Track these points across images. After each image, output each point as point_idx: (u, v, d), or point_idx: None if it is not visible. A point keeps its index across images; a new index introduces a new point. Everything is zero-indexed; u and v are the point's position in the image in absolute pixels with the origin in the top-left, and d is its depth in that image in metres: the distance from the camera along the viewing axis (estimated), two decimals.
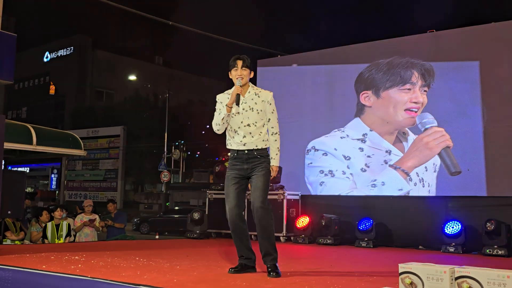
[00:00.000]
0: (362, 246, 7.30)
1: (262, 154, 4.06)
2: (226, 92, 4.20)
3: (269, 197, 4.13)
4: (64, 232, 8.04)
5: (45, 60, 39.79)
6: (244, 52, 4.29)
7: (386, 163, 7.90)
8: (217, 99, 4.19)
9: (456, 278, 2.87)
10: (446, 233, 6.84)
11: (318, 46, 9.44)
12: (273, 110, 4.13)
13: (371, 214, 7.60)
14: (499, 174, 7.20)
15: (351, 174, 8.15)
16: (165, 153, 25.46)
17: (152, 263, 4.49)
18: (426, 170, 7.63)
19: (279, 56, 9.98)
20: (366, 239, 7.35)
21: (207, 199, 8.87)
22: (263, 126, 4.10)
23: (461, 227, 6.79)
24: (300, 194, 8.47)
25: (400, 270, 3.03)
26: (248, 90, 4.12)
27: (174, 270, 4.14)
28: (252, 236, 4.44)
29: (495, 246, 6.44)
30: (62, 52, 38.82)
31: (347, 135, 8.34)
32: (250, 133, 4.05)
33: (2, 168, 5.27)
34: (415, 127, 7.80)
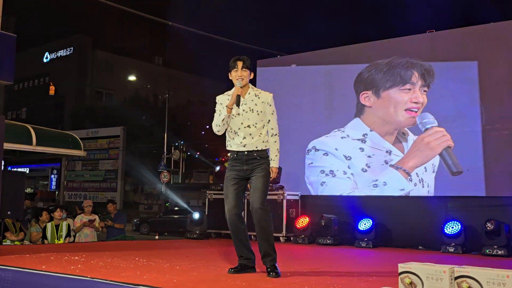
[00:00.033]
0: (362, 246, 7.30)
1: (262, 156, 4.06)
2: (226, 93, 4.20)
3: (269, 197, 4.14)
4: (64, 233, 8.04)
5: (44, 60, 39.78)
6: (244, 52, 4.30)
7: (387, 163, 7.91)
8: (216, 100, 4.19)
9: (456, 278, 2.87)
10: (445, 233, 6.85)
11: (318, 46, 9.46)
12: (273, 111, 4.14)
13: (371, 214, 7.60)
14: (498, 174, 7.21)
15: (352, 174, 8.16)
16: (165, 154, 25.46)
17: (151, 264, 4.50)
18: (426, 171, 7.64)
19: (278, 56, 9.98)
20: (365, 239, 7.35)
21: (206, 200, 8.87)
22: (263, 127, 4.10)
23: (460, 227, 6.79)
24: (299, 195, 8.47)
25: (400, 270, 3.03)
26: (248, 91, 4.12)
27: (173, 270, 4.14)
28: (252, 236, 4.45)
29: (495, 246, 6.44)
30: (61, 53, 38.82)
31: (347, 135, 8.35)
32: (250, 134, 4.05)
33: (2, 168, 5.27)
34: (415, 128, 7.81)
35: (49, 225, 7.97)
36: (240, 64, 4.07)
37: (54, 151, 11.15)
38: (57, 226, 8.00)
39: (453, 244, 6.75)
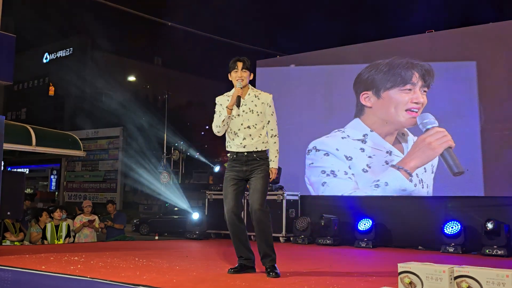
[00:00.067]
0: (362, 247, 7.30)
1: (262, 157, 4.06)
2: (225, 94, 4.20)
3: (268, 197, 4.14)
4: (64, 233, 8.04)
5: (44, 61, 39.76)
6: (243, 52, 4.30)
7: (387, 163, 7.91)
8: (216, 101, 4.19)
9: (455, 278, 2.87)
10: (445, 233, 6.85)
11: (317, 46, 9.46)
12: (273, 112, 4.14)
13: (371, 214, 7.61)
14: (496, 174, 7.22)
15: (352, 174, 8.16)
16: (165, 154, 25.45)
17: (151, 264, 4.50)
18: (425, 171, 7.65)
19: (278, 56, 9.98)
20: (365, 239, 7.35)
21: (206, 200, 8.87)
22: (263, 128, 4.10)
23: (460, 227, 6.79)
24: (299, 195, 8.48)
25: (399, 270, 3.03)
26: (248, 92, 4.12)
27: (173, 270, 4.14)
28: (252, 236, 4.44)
29: (495, 246, 6.44)
30: (61, 53, 38.80)
31: (348, 136, 8.35)
32: (250, 135, 4.05)
33: (2, 169, 5.27)
34: (414, 128, 7.82)
35: (48, 226, 7.97)
36: (240, 65, 4.06)
37: (54, 151, 11.15)
38: (56, 227, 8.00)
39: (453, 244, 6.76)
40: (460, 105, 7.59)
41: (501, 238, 6.46)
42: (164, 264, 4.49)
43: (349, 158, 8.20)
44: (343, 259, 6.02)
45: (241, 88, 4.03)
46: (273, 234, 4.09)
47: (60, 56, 39.21)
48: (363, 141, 8.16)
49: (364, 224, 7.46)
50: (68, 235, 8.11)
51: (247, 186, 4.10)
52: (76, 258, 4.74)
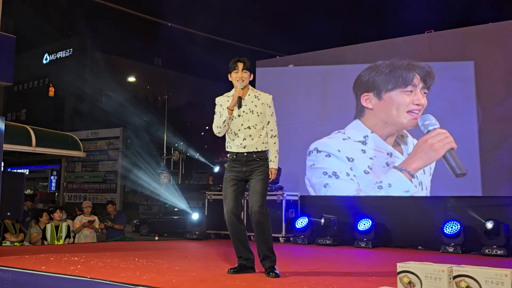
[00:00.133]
0: (361, 247, 7.30)
1: (261, 157, 4.06)
2: (225, 94, 4.20)
3: (268, 197, 4.14)
4: (64, 234, 8.05)
5: (44, 62, 39.78)
6: (243, 53, 4.30)
7: (388, 165, 7.92)
8: (216, 102, 4.20)
9: (454, 277, 2.88)
10: (445, 233, 6.86)
11: (317, 47, 9.47)
12: (272, 112, 4.14)
13: (370, 214, 7.61)
14: (494, 174, 7.22)
15: (354, 175, 8.17)
16: (165, 155, 25.46)
17: (151, 264, 4.50)
18: (424, 173, 7.67)
19: (278, 57, 9.99)
20: (365, 239, 7.36)
21: (206, 200, 8.88)
22: (263, 129, 4.11)
23: (460, 227, 6.80)
24: (299, 195, 8.48)
25: (398, 269, 3.04)
26: (248, 92, 4.12)
27: (173, 270, 4.15)
28: (251, 237, 4.43)
29: (494, 246, 6.45)
30: (61, 54, 38.81)
31: (349, 137, 8.36)
32: (250, 135, 4.05)
33: (2, 169, 5.28)
34: (414, 130, 7.83)
35: (48, 226, 7.98)
36: (240, 65, 4.07)
37: (54, 152, 11.16)
38: (56, 227, 8.00)
39: (452, 244, 6.76)
40: (458, 105, 7.60)
41: (501, 238, 6.47)
42: (164, 265, 4.49)
43: (351, 160, 8.20)
44: (343, 259, 6.02)
45: (241, 88, 4.03)
46: (273, 234, 4.09)
47: (60, 56, 39.22)
48: (364, 143, 8.16)
49: (364, 224, 7.46)
50: (68, 235, 8.11)
51: (247, 186, 4.11)
52: (76, 258, 4.75)
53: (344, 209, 8.02)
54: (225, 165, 4.32)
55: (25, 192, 8.70)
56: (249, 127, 4.05)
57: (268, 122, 4.11)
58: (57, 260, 4.58)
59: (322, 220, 7.63)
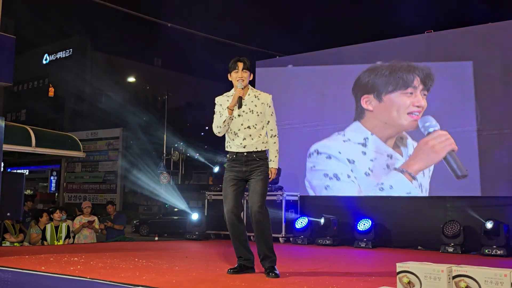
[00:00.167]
0: (361, 247, 7.31)
1: (261, 157, 4.07)
2: (225, 94, 4.21)
3: (268, 198, 4.14)
4: (63, 234, 8.05)
5: (44, 62, 39.78)
6: (243, 53, 4.30)
7: (388, 167, 7.92)
8: (216, 102, 4.20)
9: (454, 277, 2.88)
10: (445, 233, 6.86)
11: (317, 47, 9.46)
12: (272, 112, 4.15)
13: (370, 214, 7.62)
14: (493, 174, 7.23)
15: (355, 177, 8.17)
16: (164, 155, 25.46)
17: (151, 264, 4.50)
18: (424, 176, 7.67)
19: (277, 57, 9.99)
20: (365, 239, 7.36)
21: (206, 201, 8.88)
22: (263, 129, 4.11)
23: (459, 227, 6.80)
24: (299, 195, 8.48)
25: (398, 270, 3.04)
26: (248, 92, 4.13)
27: (173, 271, 4.15)
28: (251, 237, 4.44)
29: (494, 246, 6.45)
30: (61, 54, 38.82)
31: (349, 139, 8.36)
32: (250, 135, 4.06)
33: (1, 170, 5.28)
34: (413, 132, 7.84)
35: (48, 227, 7.98)
36: (240, 65, 4.07)
37: (54, 152, 11.16)
38: (56, 228, 8.00)
39: (452, 244, 6.77)
40: (456, 104, 7.61)
41: (501, 238, 6.47)
42: (164, 265, 4.49)
43: (352, 162, 8.21)
44: (343, 259, 6.03)
45: (242, 88, 4.04)
46: (273, 235, 4.09)
47: (60, 57, 39.22)
48: (364, 145, 8.17)
49: (364, 224, 7.47)
50: (67, 236, 8.11)
51: (247, 186, 4.11)
52: (75, 259, 4.75)
53: (344, 209, 8.02)
54: (225, 165, 4.32)
55: (25, 192, 8.69)
56: (249, 127, 4.06)
57: (268, 121, 4.12)
58: (57, 261, 4.58)
59: (322, 220, 7.64)
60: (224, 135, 4.17)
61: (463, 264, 3.05)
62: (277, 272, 3.86)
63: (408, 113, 7.90)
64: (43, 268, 4.01)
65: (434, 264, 2.99)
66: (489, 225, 6.51)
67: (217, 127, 4.10)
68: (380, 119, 8.16)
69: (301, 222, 7.96)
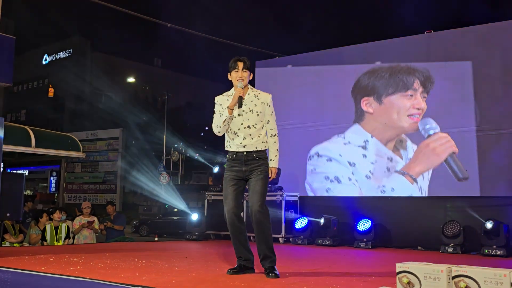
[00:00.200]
0: (361, 247, 7.31)
1: (261, 156, 4.07)
2: (225, 94, 4.21)
3: (268, 198, 4.14)
4: (63, 235, 8.04)
5: (43, 62, 39.79)
6: (242, 53, 4.30)
7: (389, 170, 7.92)
8: (215, 101, 4.20)
9: (453, 277, 2.88)
10: (445, 233, 6.86)
11: (317, 47, 9.46)
12: (272, 112, 4.15)
13: (370, 215, 7.62)
14: (492, 174, 7.23)
15: (356, 180, 8.17)
16: (164, 155, 25.47)
17: (150, 264, 4.50)
18: (423, 179, 7.68)
19: (277, 57, 9.99)
20: (365, 240, 7.36)
21: (205, 201, 8.88)
22: (262, 128, 4.11)
23: (459, 227, 6.80)
24: (299, 195, 8.48)
25: (398, 270, 3.04)
26: (248, 92, 4.13)
27: (172, 271, 4.15)
28: (251, 237, 4.45)
29: (494, 246, 6.45)
30: (60, 55, 38.83)
31: (349, 142, 8.36)
32: (250, 135, 4.06)
33: (1, 170, 5.28)
34: (413, 135, 7.84)
35: (48, 227, 7.97)
36: (241, 65, 4.07)
37: (53, 152, 11.17)
38: (56, 228, 8.00)
39: (452, 244, 6.77)
40: (456, 104, 7.62)
41: (500, 238, 6.47)
42: (164, 265, 4.49)
43: (352, 164, 8.21)
44: (343, 259, 6.02)
45: (242, 88, 4.04)
46: (273, 235, 4.09)
47: (59, 57, 39.23)
48: (364, 147, 8.17)
49: (364, 225, 7.47)
50: (67, 236, 8.11)
51: (246, 186, 4.11)
52: (75, 259, 4.75)
53: (344, 210, 8.02)
54: (225, 165, 4.32)
55: (24, 193, 8.69)
56: (248, 127, 4.06)
57: (268, 121, 4.12)
58: (56, 261, 4.58)
59: (322, 221, 7.64)
60: (224, 135, 4.17)
61: (463, 264, 3.05)
62: (277, 272, 3.86)
63: (409, 115, 7.90)
64: (43, 268, 4.01)
65: (434, 264, 2.99)
66: (489, 225, 6.51)
67: (217, 126, 4.10)
68: (380, 121, 8.16)
69: (301, 223, 7.96)
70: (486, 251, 6.47)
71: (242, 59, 4.10)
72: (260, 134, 4.09)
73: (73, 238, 8.33)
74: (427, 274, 2.92)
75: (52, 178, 31.08)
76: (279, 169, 7.84)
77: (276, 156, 4.12)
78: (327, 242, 7.54)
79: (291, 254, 6.33)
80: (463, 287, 2.82)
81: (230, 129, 4.10)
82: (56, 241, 7.93)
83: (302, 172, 8.74)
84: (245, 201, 6.58)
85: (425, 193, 7.66)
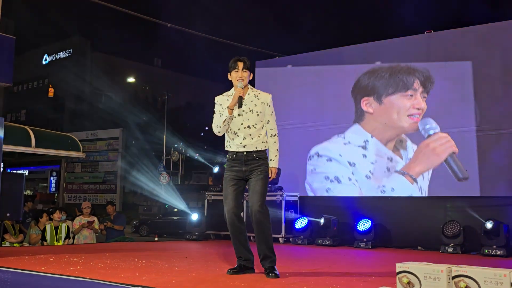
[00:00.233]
0: (361, 247, 7.31)
1: (261, 156, 4.07)
2: (225, 93, 4.21)
3: (268, 198, 4.13)
4: (63, 235, 8.04)
5: (43, 62, 39.79)
6: (242, 53, 4.29)
7: (389, 170, 7.93)
8: (215, 101, 4.20)
9: (453, 277, 2.88)
10: (445, 233, 6.86)
11: (317, 47, 9.46)
12: (272, 112, 4.15)
13: (370, 215, 7.62)
14: (492, 174, 7.23)
15: (356, 180, 8.17)
16: (164, 155, 25.47)
17: (150, 264, 4.50)
18: (423, 179, 7.68)
19: (277, 57, 9.99)
20: (365, 240, 7.36)
21: (205, 201, 8.88)
22: (262, 128, 4.11)
23: (459, 227, 6.80)
24: (299, 195, 8.48)
25: (398, 270, 3.04)
26: (248, 92, 4.13)
27: (172, 271, 4.15)
28: (251, 237, 4.45)
29: (494, 246, 6.45)
30: (60, 55, 38.84)
31: (349, 142, 8.36)
32: (250, 135, 4.06)
33: (1, 170, 5.28)
34: (413, 135, 7.84)
35: (48, 227, 7.97)
36: (241, 65, 4.07)
37: (53, 153, 11.17)
38: (56, 228, 8.00)
39: (452, 244, 6.77)
40: (456, 104, 7.62)
41: (500, 238, 6.47)
42: (164, 265, 4.49)
43: (352, 164, 8.21)
44: (343, 259, 6.02)
45: (242, 88, 4.04)
46: (273, 235, 4.09)
47: (59, 57, 39.24)
48: (364, 148, 8.17)
49: (364, 225, 7.47)
50: (67, 236, 8.11)
51: (246, 186, 4.11)
52: (75, 259, 4.75)
53: (344, 210, 8.02)
54: (225, 165, 4.32)
55: (24, 193, 8.69)
56: (248, 127, 4.06)
57: (268, 121, 4.12)
58: (56, 261, 4.58)
59: (322, 221, 7.64)
60: (224, 135, 4.17)
61: (463, 264, 3.05)
62: (277, 272, 3.86)
63: (409, 115, 7.90)
64: (43, 268, 4.01)
65: (434, 264, 2.99)
66: (489, 225, 6.51)
67: (217, 126, 4.10)
68: (380, 121, 8.16)
69: (301, 222, 7.96)
70: (486, 251, 6.47)
71: (242, 59, 4.10)
72: (260, 134, 4.09)
73: (73, 238, 8.33)
74: (427, 274, 2.92)
75: (52, 178, 31.08)
76: (279, 169, 7.84)
77: (276, 156, 4.12)
78: (327, 242, 7.54)
79: (291, 254, 6.33)
80: (463, 287, 2.82)
81: (230, 129, 4.10)
82: (56, 241, 7.93)
83: (302, 172, 8.74)
84: (245, 201, 6.59)
85: (425, 193, 7.67)
